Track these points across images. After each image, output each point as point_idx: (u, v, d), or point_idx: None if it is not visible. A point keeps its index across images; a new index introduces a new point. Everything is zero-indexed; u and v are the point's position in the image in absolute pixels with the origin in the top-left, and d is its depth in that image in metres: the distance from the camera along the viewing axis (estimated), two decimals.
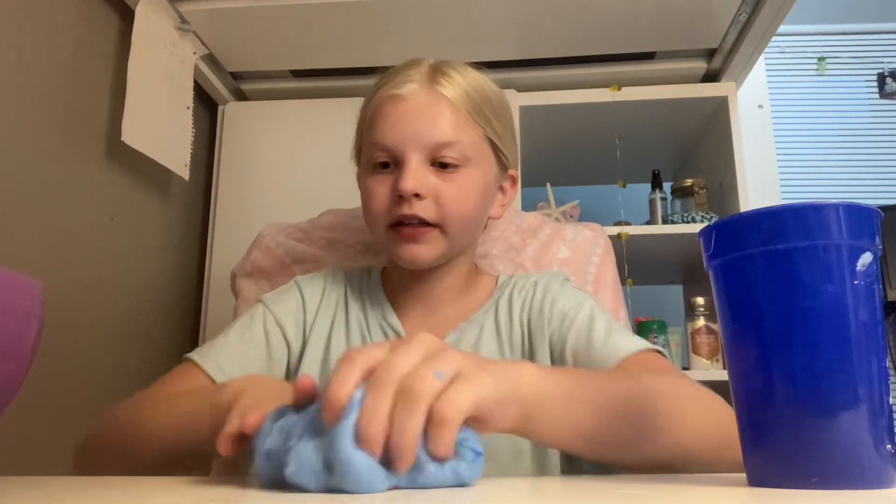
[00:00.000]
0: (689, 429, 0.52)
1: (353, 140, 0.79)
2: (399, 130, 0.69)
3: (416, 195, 0.68)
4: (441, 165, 0.70)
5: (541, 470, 0.70)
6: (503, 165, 0.77)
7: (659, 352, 0.67)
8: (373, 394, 0.38)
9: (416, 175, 0.68)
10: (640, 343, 0.67)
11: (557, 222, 1.05)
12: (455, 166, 0.70)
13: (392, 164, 0.71)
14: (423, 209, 0.69)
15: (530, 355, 0.74)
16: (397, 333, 0.76)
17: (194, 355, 0.71)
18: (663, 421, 0.51)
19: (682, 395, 0.55)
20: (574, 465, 0.71)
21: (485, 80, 0.76)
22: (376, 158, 0.71)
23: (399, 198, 0.69)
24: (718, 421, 0.53)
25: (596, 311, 0.73)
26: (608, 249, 0.99)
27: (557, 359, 0.72)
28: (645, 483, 0.43)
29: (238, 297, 1.02)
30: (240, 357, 0.72)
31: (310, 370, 0.75)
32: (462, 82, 0.72)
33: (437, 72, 0.72)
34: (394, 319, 0.77)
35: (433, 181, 0.70)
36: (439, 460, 0.39)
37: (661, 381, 0.56)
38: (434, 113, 0.70)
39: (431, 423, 0.37)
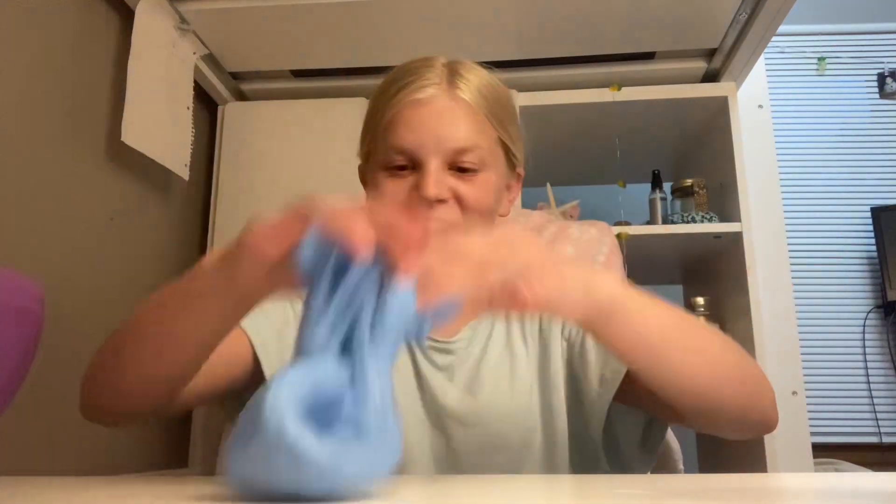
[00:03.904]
0: (725, 362, 0.57)
1: (361, 139, 0.79)
2: (419, 135, 0.69)
3: (439, 200, 0.69)
4: (460, 170, 0.71)
5: (550, 461, 0.71)
6: (511, 165, 0.78)
7: None
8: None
9: (438, 180, 0.69)
10: None
11: (563, 221, 1.05)
12: (473, 171, 0.71)
13: (409, 166, 0.71)
14: (445, 212, 0.69)
15: (544, 350, 0.75)
16: None
17: None
18: (706, 351, 0.55)
19: (720, 339, 0.58)
20: (584, 458, 0.72)
21: (496, 80, 0.76)
22: (394, 161, 0.71)
23: (418, 202, 0.69)
24: (747, 368, 0.58)
25: None
26: (614, 248, 0.99)
27: (578, 349, 0.72)
28: (645, 483, 0.43)
29: None
30: (277, 321, 0.71)
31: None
32: (478, 84, 0.73)
33: (454, 74, 0.73)
34: None
35: (453, 183, 0.70)
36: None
37: (705, 325, 0.61)
38: (455, 118, 0.70)
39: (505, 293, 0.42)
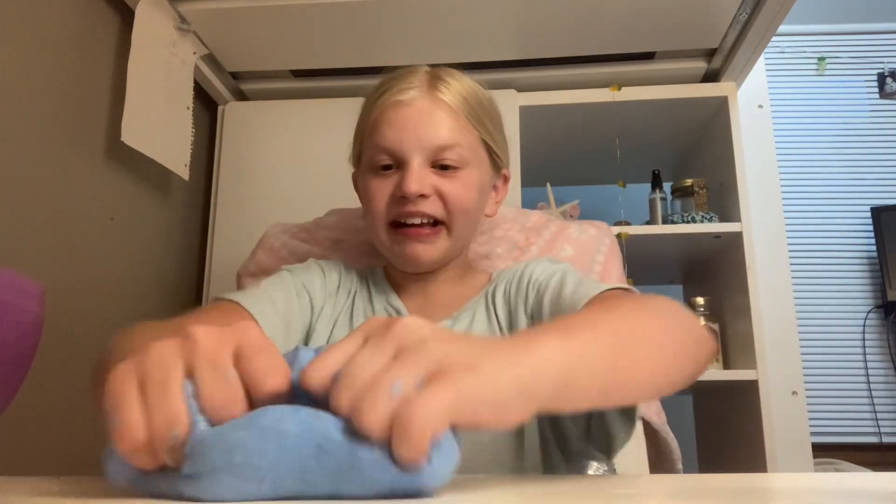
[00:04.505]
0: (671, 354, 0.52)
1: (352, 144, 0.83)
2: (402, 134, 0.73)
3: (421, 195, 0.72)
4: (442, 167, 0.74)
5: (520, 448, 0.71)
6: (496, 166, 0.82)
7: (624, 288, 0.66)
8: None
9: (419, 176, 0.72)
10: (606, 285, 0.66)
11: (562, 220, 1.05)
12: (455, 168, 0.74)
13: (394, 166, 0.75)
14: (428, 207, 0.73)
15: (509, 328, 0.77)
16: (399, 313, 0.80)
17: (237, 297, 0.70)
18: (652, 359, 0.50)
19: (658, 322, 0.54)
20: (544, 448, 0.72)
21: (477, 86, 0.80)
22: (379, 161, 0.75)
23: (402, 198, 0.72)
24: (691, 337, 0.55)
25: (569, 272, 0.74)
26: (613, 247, 1.00)
27: (536, 321, 0.74)
28: (645, 483, 0.43)
29: None
30: (282, 310, 0.73)
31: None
32: (459, 88, 0.76)
33: (435, 78, 0.76)
34: (397, 302, 0.81)
35: (435, 180, 0.73)
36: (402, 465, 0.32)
37: (640, 312, 0.55)
38: (435, 117, 0.74)
39: (395, 429, 0.32)
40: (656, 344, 0.51)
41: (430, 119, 0.74)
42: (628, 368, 0.48)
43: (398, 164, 0.74)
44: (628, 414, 0.63)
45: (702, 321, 1.59)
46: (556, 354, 0.40)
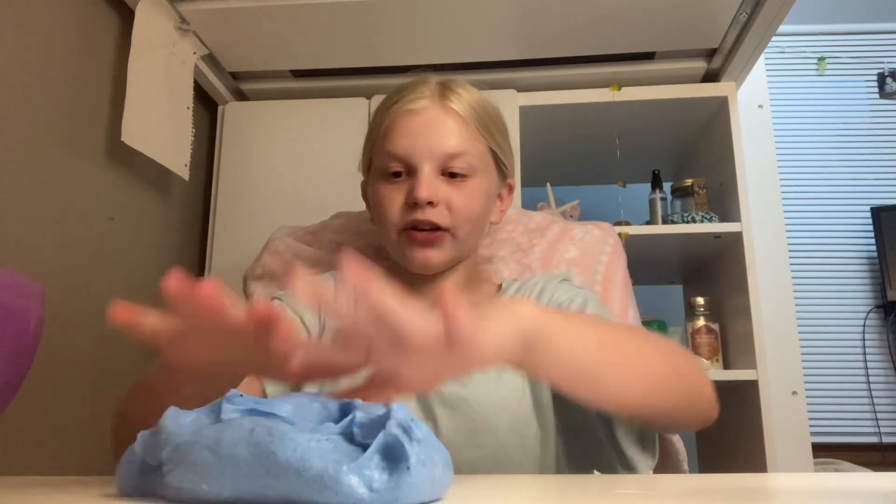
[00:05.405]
0: (658, 371, 0.56)
1: (362, 153, 0.84)
2: (413, 142, 0.75)
3: (430, 203, 0.74)
4: (451, 175, 0.76)
5: (543, 455, 0.72)
6: (503, 174, 0.83)
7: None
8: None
9: (429, 184, 0.74)
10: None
11: (565, 221, 1.05)
12: (464, 176, 0.76)
13: (405, 173, 0.76)
14: (435, 215, 0.75)
15: None
16: None
17: None
18: (638, 366, 0.55)
19: (653, 345, 0.59)
20: (584, 453, 0.74)
21: (485, 97, 0.82)
22: (390, 168, 0.77)
23: (413, 204, 0.74)
24: (684, 372, 0.58)
25: (589, 301, 0.76)
26: (617, 248, 0.99)
27: None
28: (645, 483, 0.43)
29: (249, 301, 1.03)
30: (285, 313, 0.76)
31: None
32: (468, 97, 0.78)
33: (445, 88, 0.78)
34: None
35: (445, 189, 0.75)
36: None
37: (638, 334, 0.60)
38: (446, 126, 0.76)
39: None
40: (645, 363, 0.55)
41: (441, 127, 0.76)
42: (608, 368, 0.51)
43: (409, 172, 0.76)
44: (646, 443, 0.65)
45: (701, 321, 1.59)
46: (532, 313, 0.48)
